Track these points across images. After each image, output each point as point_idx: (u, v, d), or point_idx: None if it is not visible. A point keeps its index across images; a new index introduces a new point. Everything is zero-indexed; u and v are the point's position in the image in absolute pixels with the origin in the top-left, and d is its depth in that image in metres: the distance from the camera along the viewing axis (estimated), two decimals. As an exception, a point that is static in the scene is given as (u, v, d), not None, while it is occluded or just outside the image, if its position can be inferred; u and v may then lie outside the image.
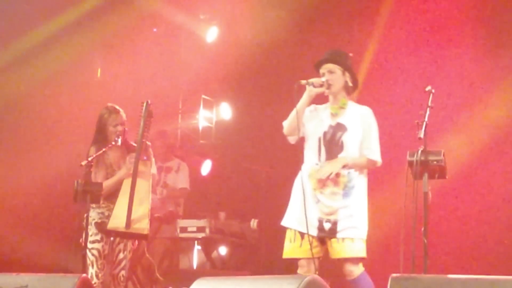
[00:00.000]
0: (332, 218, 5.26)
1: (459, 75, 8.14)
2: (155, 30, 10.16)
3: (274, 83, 9.00)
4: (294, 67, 8.44)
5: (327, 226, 5.26)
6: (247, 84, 9.70)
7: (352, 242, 5.24)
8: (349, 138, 5.33)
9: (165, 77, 9.80)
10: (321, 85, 5.34)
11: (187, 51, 10.16)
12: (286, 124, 5.44)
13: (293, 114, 5.35)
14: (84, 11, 9.10)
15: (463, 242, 7.78)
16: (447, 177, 4.96)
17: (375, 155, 5.38)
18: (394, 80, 8.45)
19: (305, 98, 5.35)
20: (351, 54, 5.57)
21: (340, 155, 5.32)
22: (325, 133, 5.37)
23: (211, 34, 10.01)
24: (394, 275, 3.83)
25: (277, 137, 5.84)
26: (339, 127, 5.37)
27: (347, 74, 5.42)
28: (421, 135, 4.86)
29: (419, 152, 4.83)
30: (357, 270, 5.26)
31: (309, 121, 5.46)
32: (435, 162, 4.84)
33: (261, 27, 9.35)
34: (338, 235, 5.23)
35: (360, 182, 5.38)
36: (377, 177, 6.18)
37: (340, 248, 5.24)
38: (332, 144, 5.34)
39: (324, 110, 5.48)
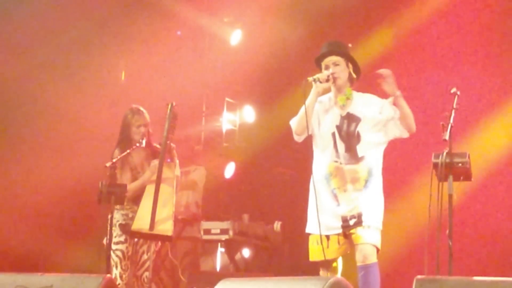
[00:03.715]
0: (355, 212, 5.21)
1: (484, 76, 8.09)
2: (179, 33, 10.18)
3: (297, 86, 8.97)
4: (318, 71, 8.42)
5: (352, 221, 5.21)
6: (271, 86, 9.69)
7: (375, 230, 5.20)
8: (365, 128, 5.26)
9: (189, 80, 9.80)
10: (327, 80, 5.28)
11: (211, 54, 10.18)
12: (295, 123, 5.36)
13: (302, 112, 5.26)
14: (109, 14, 9.15)
15: (488, 244, 7.72)
16: (472, 179, 4.92)
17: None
18: (419, 83, 8.41)
19: (313, 95, 5.27)
20: (350, 45, 5.51)
21: (358, 146, 5.24)
22: (338, 126, 5.30)
23: (235, 37, 10.02)
24: (419, 277, 3.81)
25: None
26: (351, 118, 5.30)
27: (350, 65, 5.38)
28: (446, 137, 4.82)
29: (444, 154, 4.79)
30: (373, 257, 5.17)
31: (317, 116, 5.38)
32: (460, 164, 4.80)
33: (285, 30, 9.34)
34: (364, 223, 5.17)
35: (377, 174, 5.32)
36: (402, 179, 6.18)
37: (365, 233, 5.16)
38: (348, 136, 5.27)
39: (329, 102, 5.41)
